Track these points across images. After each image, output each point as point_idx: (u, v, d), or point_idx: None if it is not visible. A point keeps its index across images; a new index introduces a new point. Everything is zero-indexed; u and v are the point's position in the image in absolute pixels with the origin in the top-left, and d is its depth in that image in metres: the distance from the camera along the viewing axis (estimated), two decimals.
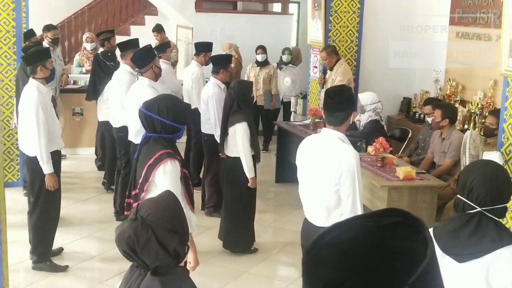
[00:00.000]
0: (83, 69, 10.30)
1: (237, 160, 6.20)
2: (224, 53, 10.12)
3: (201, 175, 8.03)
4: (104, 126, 8.19)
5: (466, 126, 8.01)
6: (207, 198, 7.52)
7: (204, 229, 6.71)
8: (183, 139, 7.52)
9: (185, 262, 2.63)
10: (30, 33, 8.63)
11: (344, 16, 9.10)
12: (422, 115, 8.84)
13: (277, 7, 14.04)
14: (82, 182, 8.82)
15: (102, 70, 8.46)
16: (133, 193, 4.16)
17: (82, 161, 9.71)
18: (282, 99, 11.03)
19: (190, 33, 11.68)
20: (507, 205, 2.71)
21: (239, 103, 6.21)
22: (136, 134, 6.18)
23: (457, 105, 8.21)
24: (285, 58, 11.11)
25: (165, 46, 8.98)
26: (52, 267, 5.89)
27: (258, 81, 10.52)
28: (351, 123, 4.15)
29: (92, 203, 7.90)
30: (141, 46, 7.33)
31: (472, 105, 8.15)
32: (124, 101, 6.71)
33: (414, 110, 9.49)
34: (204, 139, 7.49)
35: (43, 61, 5.77)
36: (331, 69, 8.57)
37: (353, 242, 1.08)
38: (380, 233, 1.08)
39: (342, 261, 1.07)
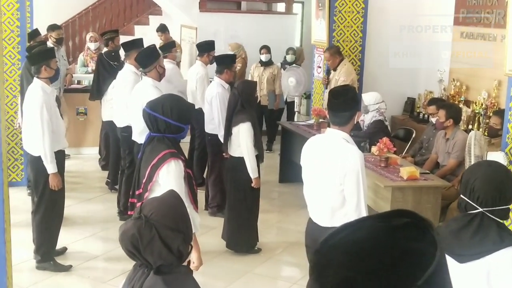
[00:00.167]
0: (88, 69, 10.32)
1: (240, 160, 6.20)
2: (232, 52, 10.16)
3: (204, 175, 8.03)
4: (108, 126, 8.20)
5: (470, 127, 7.99)
6: (210, 198, 7.52)
7: (207, 229, 6.72)
8: (187, 139, 7.53)
9: (189, 262, 2.64)
10: (34, 33, 8.65)
11: (348, 16, 9.09)
12: (426, 115, 8.83)
13: (281, 7, 14.03)
14: (86, 181, 8.83)
15: (105, 70, 8.47)
16: (136, 192, 4.16)
17: (86, 160, 9.72)
18: (286, 99, 11.03)
19: (194, 33, 11.68)
20: (510, 206, 2.70)
21: (243, 103, 6.20)
22: (140, 134, 6.18)
23: (461, 105, 8.19)
24: (289, 58, 11.10)
25: (170, 46, 8.98)
26: (55, 267, 5.89)
27: (262, 81, 10.51)
28: (355, 123, 4.15)
29: (96, 203, 7.90)
30: (145, 46, 7.33)
31: (476, 105, 8.13)
32: (128, 101, 6.72)
33: (418, 110, 9.47)
34: (208, 139, 7.49)
35: (48, 61, 5.78)
36: (335, 70, 8.56)
37: (362, 243, 1.09)
38: (389, 234, 1.09)
39: (351, 262, 1.07)
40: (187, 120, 4.15)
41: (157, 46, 8.22)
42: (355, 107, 4.13)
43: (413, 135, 8.42)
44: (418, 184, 5.93)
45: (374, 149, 6.57)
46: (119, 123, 7.30)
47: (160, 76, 6.51)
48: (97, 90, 8.57)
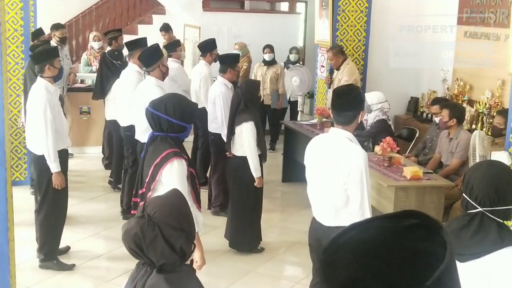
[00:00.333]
0: (92, 68, 10.33)
1: (243, 160, 6.20)
2: (238, 52, 10.19)
3: (208, 174, 8.04)
4: (112, 125, 8.21)
5: (473, 126, 7.98)
6: (213, 197, 7.52)
7: (210, 228, 6.72)
8: (190, 138, 7.52)
9: (192, 261, 2.64)
10: (38, 32, 8.66)
11: (352, 16, 9.08)
12: (429, 115, 8.82)
13: (284, 6, 14.04)
14: (89, 180, 8.84)
15: (109, 69, 8.47)
16: (139, 192, 4.16)
17: (89, 160, 9.73)
18: (289, 98, 11.02)
19: (197, 32, 11.68)
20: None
21: (246, 102, 6.20)
22: (143, 133, 6.18)
23: (464, 104, 8.18)
24: (292, 57, 11.11)
25: (175, 45, 8.99)
26: (59, 266, 5.90)
27: (265, 81, 10.51)
28: (359, 122, 4.15)
29: (99, 202, 7.91)
30: (149, 45, 7.34)
31: (479, 105, 8.12)
32: (131, 100, 6.72)
33: (421, 110, 9.46)
34: (211, 138, 7.49)
35: (51, 60, 5.78)
36: (338, 69, 8.55)
37: (371, 243, 1.08)
38: (398, 234, 1.08)
39: (359, 261, 1.07)
40: (190, 119, 4.14)
41: (161, 46, 8.24)
42: (359, 107, 4.13)
43: (417, 135, 8.41)
44: (421, 183, 5.92)
45: (377, 148, 6.56)
46: (123, 122, 7.31)
47: (163, 75, 6.52)
48: (100, 89, 8.58)
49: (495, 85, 8.00)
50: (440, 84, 9.15)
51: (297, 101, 11.24)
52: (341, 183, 3.96)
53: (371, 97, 7.74)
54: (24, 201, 7.08)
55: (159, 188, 3.96)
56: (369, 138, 7.51)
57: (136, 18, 13.75)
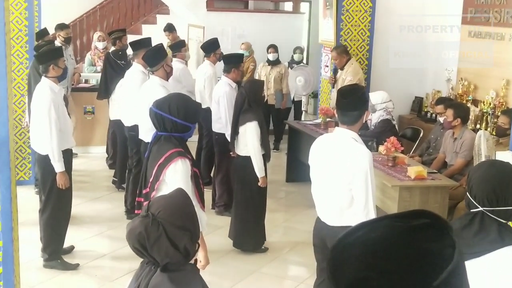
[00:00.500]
0: (97, 68, 10.34)
1: (247, 159, 6.19)
2: (244, 51, 10.20)
3: (212, 174, 8.04)
4: (116, 125, 8.22)
5: (478, 126, 7.97)
6: (217, 197, 7.52)
7: (214, 228, 6.72)
8: (195, 138, 7.53)
9: (196, 261, 2.64)
10: (43, 32, 8.68)
11: (356, 15, 9.07)
12: (433, 115, 8.80)
13: (288, 6, 14.03)
14: (93, 180, 8.85)
15: (113, 69, 8.48)
16: (143, 191, 4.17)
17: (93, 159, 9.74)
18: (293, 98, 11.02)
19: (201, 32, 11.69)
20: None
21: (250, 102, 6.20)
22: (147, 133, 6.18)
23: (469, 104, 8.16)
24: (296, 57, 11.10)
25: (179, 45, 8.99)
26: (63, 265, 5.91)
27: (269, 80, 10.51)
28: (364, 122, 4.15)
29: (103, 202, 7.92)
30: (153, 45, 7.34)
31: (484, 105, 8.10)
32: (136, 100, 6.73)
33: (425, 110, 9.44)
34: (215, 138, 7.49)
35: (56, 60, 5.79)
36: (342, 69, 8.54)
37: (379, 242, 1.08)
38: (407, 234, 1.08)
39: (367, 261, 1.07)
40: (194, 119, 4.15)
41: (165, 46, 8.25)
42: (364, 107, 4.13)
43: (421, 135, 8.40)
44: (425, 183, 5.91)
45: (381, 148, 6.55)
46: (127, 122, 7.31)
47: (167, 75, 6.52)
48: (104, 89, 8.59)
49: (500, 85, 7.98)
50: (444, 84, 9.14)
51: (301, 101, 11.23)
52: (345, 183, 3.96)
53: (375, 97, 7.73)
54: (28, 201, 7.09)
55: (163, 188, 3.96)
56: (373, 138, 7.49)
57: (140, 18, 13.77)
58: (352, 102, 4.01)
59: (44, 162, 5.71)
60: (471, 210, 2.66)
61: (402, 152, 6.74)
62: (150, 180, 4.05)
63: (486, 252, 2.53)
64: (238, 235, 6.44)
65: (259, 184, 6.21)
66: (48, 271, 5.87)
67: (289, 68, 10.79)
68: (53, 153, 5.61)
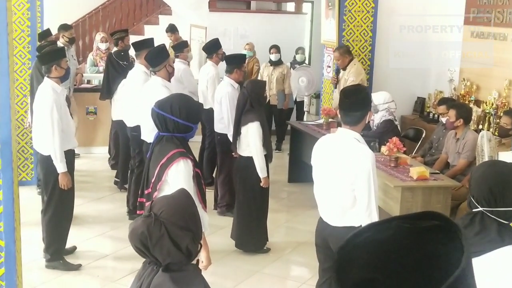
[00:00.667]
0: (99, 69, 10.35)
1: (249, 160, 6.19)
2: (249, 52, 10.20)
3: (214, 175, 8.04)
4: (118, 125, 8.22)
5: (480, 126, 7.96)
6: (219, 198, 7.52)
7: (216, 229, 6.72)
8: (198, 138, 7.53)
9: (198, 261, 2.64)
10: (46, 33, 8.68)
11: (358, 16, 9.06)
12: (436, 115, 8.79)
13: (290, 6, 14.03)
14: (95, 181, 8.86)
15: (115, 69, 8.49)
16: (145, 192, 4.17)
17: (95, 160, 9.75)
18: (296, 98, 11.02)
19: (204, 32, 11.69)
20: None
21: (252, 102, 6.20)
22: (149, 133, 6.18)
23: (471, 105, 8.15)
24: (298, 57, 11.10)
25: (182, 46, 9.00)
26: (65, 266, 5.91)
27: (272, 81, 10.51)
28: (367, 122, 4.15)
29: (105, 202, 7.92)
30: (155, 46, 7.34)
31: (486, 105, 8.09)
32: (138, 100, 6.73)
33: (428, 110, 9.43)
34: (217, 138, 7.49)
35: (58, 61, 5.80)
36: (344, 69, 8.54)
37: (387, 244, 1.07)
38: (416, 236, 1.06)
39: (374, 262, 1.06)
40: (196, 120, 4.15)
41: (167, 46, 8.25)
42: (367, 107, 4.13)
43: (423, 135, 8.39)
44: (428, 184, 5.91)
45: (383, 149, 6.55)
46: (129, 123, 7.31)
47: (169, 75, 6.52)
48: (106, 90, 8.59)
49: (502, 85, 7.97)
50: (446, 84, 9.13)
51: (303, 101, 11.23)
52: (348, 183, 3.96)
53: (378, 97, 7.72)
54: (30, 201, 7.10)
55: (165, 188, 3.96)
56: (375, 138, 7.49)
57: (143, 19, 13.77)
58: (356, 102, 4.01)
59: (46, 162, 5.72)
60: (472, 210, 2.67)
61: (405, 152, 6.73)
62: (152, 180, 4.05)
63: (485, 252, 2.53)
64: (240, 235, 6.44)
65: (261, 184, 6.20)
66: (51, 271, 5.87)
67: (291, 69, 10.79)
68: (55, 154, 5.61)
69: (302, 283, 5.86)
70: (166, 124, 4.02)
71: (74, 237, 6.30)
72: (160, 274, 2.37)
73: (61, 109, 5.71)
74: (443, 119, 7.37)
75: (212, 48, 8.36)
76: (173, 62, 7.89)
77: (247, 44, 10.95)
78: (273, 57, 10.59)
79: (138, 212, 4.36)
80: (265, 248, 6.49)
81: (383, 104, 7.70)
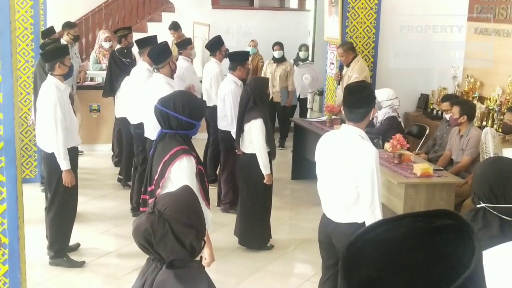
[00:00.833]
0: (102, 66, 10.35)
1: (253, 157, 6.19)
2: (254, 49, 10.18)
3: (217, 172, 8.04)
4: (121, 123, 8.22)
5: (484, 123, 7.94)
6: (223, 195, 7.52)
7: (220, 226, 6.71)
8: (201, 135, 7.53)
9: (201, 258, 2.64)
10: (50, 31, 8.69)
11: (361, 13, 9.05)
12: (439, 112, 8.77)
13: (293, 3, 14.01)
14: (99, 178, 8.87)
15: (118, 67, 8.49)
16: (149, 189, 4.17)
17: (99, 157, 9.76)
18: (299, 95, 11.01)
19: (207, 30, 11.68)
20: None
21: (255, 99, 6.19)
22: (153, 131, 6.18)
23: (475, 101, 8.13)
24: (302, 54, 11.08)
25: (186, 43, 8.99)
26: (69, 263, 5.92)
27: (275, 78, 10.50)
28: (370, 119, 4.15)
29: (108, 199, 7.93)
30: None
31: (490, 102, 8.07)
32: (141, 97, 6.73)
33: (431, 107, 9.41)
34: (221, 135, 7.49)
35: (62, 58, 5.80)
36: (348, 66, 8.53)
37: (398, 241, 1.05)
38: (427, 235, 1.05)
39: (383, 260, 1.04)
40: (199, 117, 4.15)
41: (170, 44, 8.24)
42: (371, 104, 4.12)
43: (427, 132, 8.37)
44: (431, 181, 5.90)
45: (387, 145, 6.54)
46: (133, 120, 7.32)
47: (172, 72, 6.53)
48: (109, 87, 8.60)
49: (506, 82, 7.95)
50: (450, 81, 9.11)
51: (306, 98, 11.21)
52: (352, 180, 3.96)
53: (381, 94, 7.71)
54: (34, 199, 7.10)
55: (168, 185, 3.96)
56: (379, 135, 7.48)
57: (146, 16, 13.78)
58: (360, 99, 4.01)
59: (50, 160, 5.72)
60: (477, 206, 2.68)
61: (408, 149, 6.72)
62: (155, 177, 4.05)
63: (486, 248, 2.53)
64: (243, 232, 6.44)
65: (264, 181, 6.20)
66: (54, 268, 5.88)
67: (295, 66, 10.78)
68: (59, 151, 5.62)
69: (305, 280, 5.85)
70: (169, 121, 4.02)
71: (78, 234, 6.31)
72: (164, 270, 2.37)
73: (65, 107, 5.71)
74: (447, 116, 7.36)
75: (215, 46, 8.35)
76: (177, 59, 7.89)
77: (251, 40, 10.95)
78: (276, 54, 10.58)
79: (141, 209, 4.37)
80: (268, 245, 6.49)
81: (387, 101, 7.69)
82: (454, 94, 8.43)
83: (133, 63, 8.27)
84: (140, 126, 6.91)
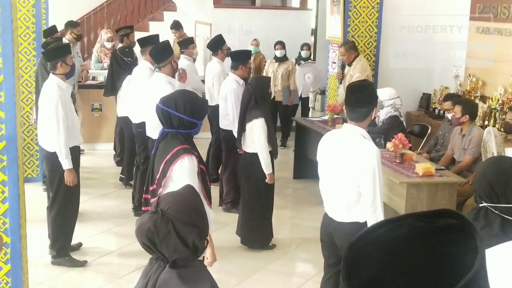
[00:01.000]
0: (104, 65, 10.35)
1: (254, 156, 6.19)
2: (256, 48, 10.18)
3: (219, 171, 8.03)
4: (123, 122, 8.23)
5: (486, 122, 7.93)
6: (225, 194, 7.52)
7: (221, 225, 6.71)
8: (203, 134, 7.53)
9: (203, 258, 2.64)
10: (52, 30, 8.69)
11: (363, 12, 9.04)
12: (441, 111, 8.76)
13: (295, 2, 14.02)
14: (100, 177, 8.87)
15: (119, 66, 8.49)
16: (150, 188, 4.17)
17: (100, 156, 9.76)
18: (301, 95, 11.01)
19: (209, 29, 11.68)
20: None
21: (256, 99, 6.19)
22: (154, 130, 6.17)
23: (477, 101, 8.13)
24: (303, 53, 11.08)
25: (188, 42, 8.99)
26: (71, 262, 5.92)
27: (277, 77, 10.50)
28: (372, 118, 4.14)
29: (110, 199, 7.93)
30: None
31: (492, 101, 8.06)
32: (143, 97, 6.73)
33: (433, 106, 9.41)
34: (223, 134, 7.49)
35: (63, 57, 5.80)
36: (350, 65, 8.52)
37: (400, 241, 1.04)
38: (430, 235, 1.03)
39: (385, 260, 1.03)
40: (201, 116, 4.14)
41: (172, 43, 8.24)
42: (373, 103, 4.12)
43: (429, 131, 8.37)
44: (433, 180, 5.89)
45: (389, 145, 6.54)
46: (135, 119, 7.32)
47: (173, 71, 6.53)
48: (111, 86, 8.60)
49: (508, 81, 7.94)
50: (452, 80, 9.10)
51: (308, 97, 11.20)
52: (353, 179, 3.96)
53: (383, 93, 7.70)
54: (36, 198, 7.11)
55: (170, 185, 3.96)
56: (381, 134, 7.48)
57: (148, 15, 13.78)
58: (362, 98, 4.01)
59: (51, 159, 5.72)
60: (479, 205, 2.68)
61: (410, 148, 6.72)
62: (157, 176, 4.05)
63: (488, 247, 2.53)
64: (245, 232, 6.44)
65: (266, 181, 6.20)
66: (56, 268, 5.88)
67: (296, 65, 10.77)
68: (61, 150, 5.62)
69: (307, 280, 5.85)
70: (171, 120, 4.02)
71: (80, 233, 6.31)
72: (167, 270, 2.37)
73: (66, 106, 5.71)
74: (449, 115, 7.34)
75: (216, 45, 8.35)
76: (178, 59, 7.89)
77: (254, 39, 10.94)
78: (278, 53, 10.58)
79: (143, 208, 4.37)
80: (270, 244, 6.49)
81: (389, 100, 7.68)
82: (456, 94, 8.42)
83: (134, 62, 8.27)
84: (142, 125, 6.90)
